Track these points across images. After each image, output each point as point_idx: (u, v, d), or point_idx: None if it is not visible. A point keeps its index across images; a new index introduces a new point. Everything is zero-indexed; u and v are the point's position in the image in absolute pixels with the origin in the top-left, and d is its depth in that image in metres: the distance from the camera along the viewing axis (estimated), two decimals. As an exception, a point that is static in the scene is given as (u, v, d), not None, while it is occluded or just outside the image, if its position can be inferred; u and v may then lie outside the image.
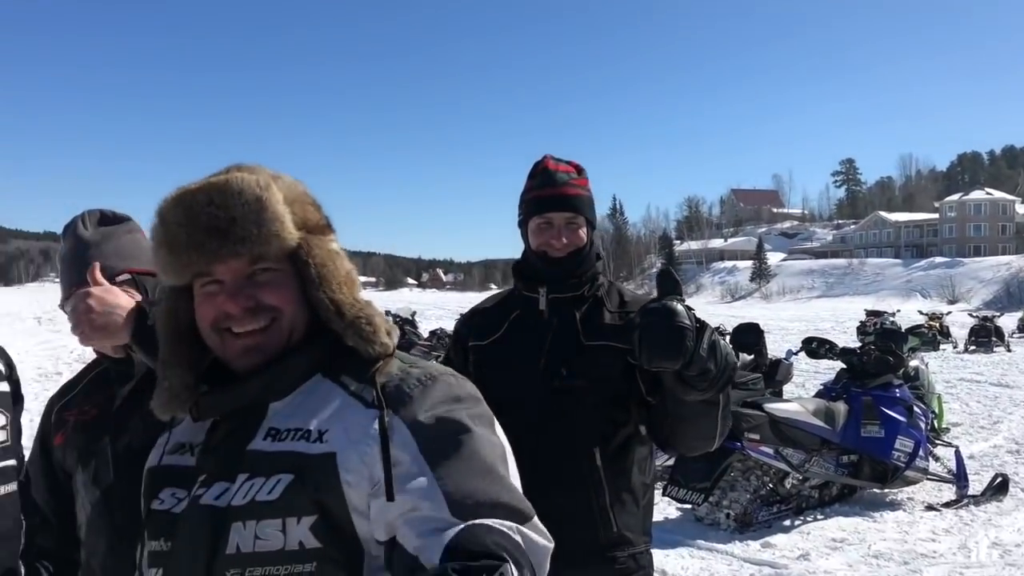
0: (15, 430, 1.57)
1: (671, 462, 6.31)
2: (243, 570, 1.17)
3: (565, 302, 2.33)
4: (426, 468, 1.17)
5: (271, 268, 1.28)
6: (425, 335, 17.00)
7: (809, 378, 13.47)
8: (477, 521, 1.12)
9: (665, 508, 6.66)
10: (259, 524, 1.18)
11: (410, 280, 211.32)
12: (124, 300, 1.68)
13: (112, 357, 1.82)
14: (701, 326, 1.90)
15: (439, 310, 36.23)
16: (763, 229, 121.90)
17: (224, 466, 1.25)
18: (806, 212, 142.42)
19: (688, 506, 6.39)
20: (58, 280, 1.99)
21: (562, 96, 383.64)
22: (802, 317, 34.53)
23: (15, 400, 1.60)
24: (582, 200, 2.35)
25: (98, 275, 1.73)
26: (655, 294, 1.98)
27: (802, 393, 10.68)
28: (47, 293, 59.88)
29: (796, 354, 8.62)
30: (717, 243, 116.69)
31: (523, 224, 2.42)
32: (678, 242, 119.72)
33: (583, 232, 2.35)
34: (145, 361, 1.70)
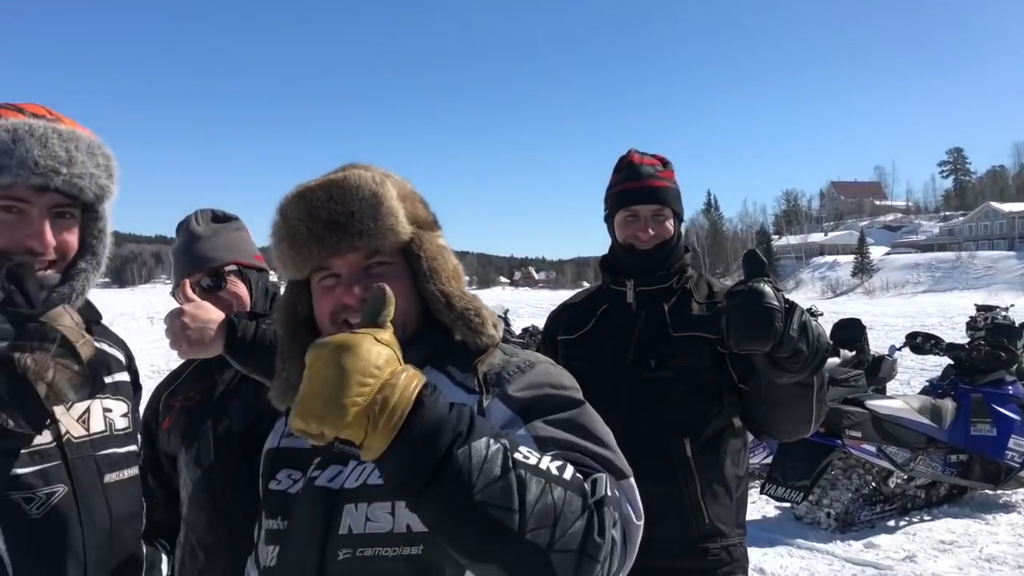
0: (135, 418, 1.66)
1: (769, 460, 6.19)
2: (354, 550, 1.22)
3: (653, 294, 2.33)
4: (520, 422, 1.22)
5: (386, 261, 1.34)
6: (518, 332, 17.09)
7: (915, 375, 12.95)
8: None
9: (763, 506, 6.55)
10: (370, 507, 1.24)
11: (503, 279, 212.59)
12: (215, 314, 1.79)
13: None
14: (790, 307, 1.88)
15: (531, 308, 36.22)
16: (865, 222, 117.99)
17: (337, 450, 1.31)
18: (910, 204, 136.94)
19: (787, 505, 6.26)
20: (169, 282, 2.14)
21: (654, 90, 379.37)
22: (907, 313, 33.12)
23: (135, 389, 1.71)
24: (668, 192, 2.35)
25: (189, 292, 1.85)
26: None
27: (907, 390, 10.29)
28: (159, 294, 62.49)
29: (900, 350, 8.30)
30: (817, 237, 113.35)
31: (609, 218, 2.44)
32: (776, 237, 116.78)
33: (670, 224, 2.35)
34: (237, 367, 1.81)
